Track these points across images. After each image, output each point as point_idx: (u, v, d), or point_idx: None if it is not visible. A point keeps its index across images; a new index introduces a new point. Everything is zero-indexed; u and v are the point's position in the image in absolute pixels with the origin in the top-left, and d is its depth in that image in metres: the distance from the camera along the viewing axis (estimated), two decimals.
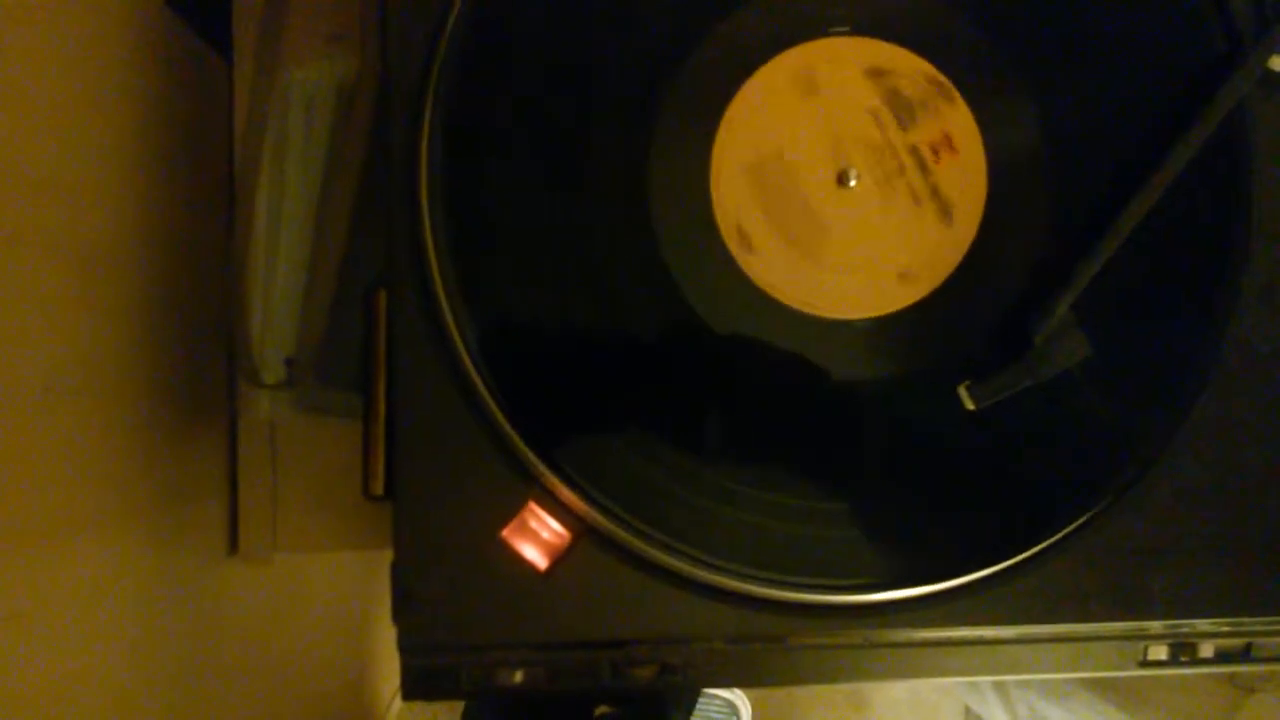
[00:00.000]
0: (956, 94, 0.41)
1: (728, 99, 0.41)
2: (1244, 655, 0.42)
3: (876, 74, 0.41)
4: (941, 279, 0.41)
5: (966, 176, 0.41)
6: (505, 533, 0.39)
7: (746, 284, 0.40)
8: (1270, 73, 0.41)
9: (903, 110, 0.41)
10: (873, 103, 0.41)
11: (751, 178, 0.41)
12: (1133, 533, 0.41)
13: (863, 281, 0.41)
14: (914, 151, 0.41)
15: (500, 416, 0.39)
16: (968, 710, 1.17)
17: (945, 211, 0.41)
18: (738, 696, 1.11)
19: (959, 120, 0.41)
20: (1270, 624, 0.41)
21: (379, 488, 0.40)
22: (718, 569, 0.39)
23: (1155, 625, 0.41)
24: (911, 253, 0.41)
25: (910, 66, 0.41)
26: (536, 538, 0.39)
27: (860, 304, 0.41)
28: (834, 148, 0.41)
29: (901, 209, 0.41)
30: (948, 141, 0.41)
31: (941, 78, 0.41)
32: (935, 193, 0.41)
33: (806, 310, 0.41)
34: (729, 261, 0.40)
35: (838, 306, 0.41)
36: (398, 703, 1.00)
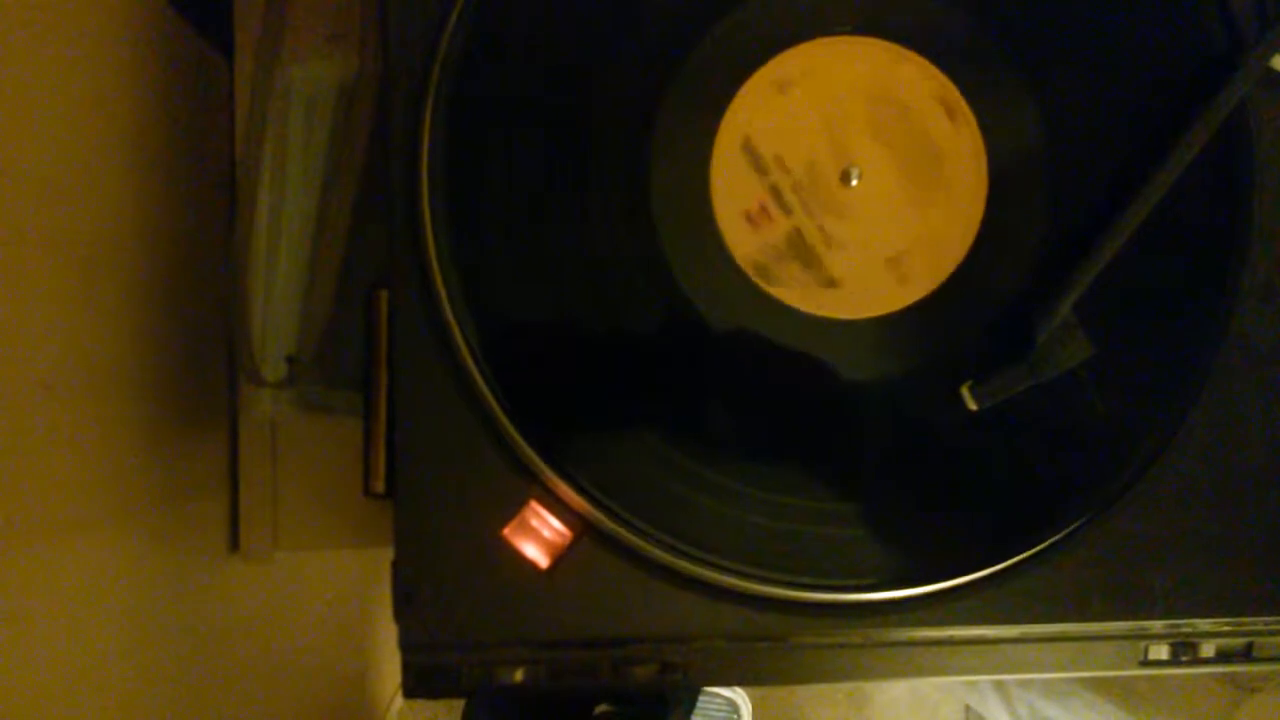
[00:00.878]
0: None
1: (730, 96, 0.41)
2: (1245, 655, 0.42)
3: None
4: (936, 284, 0.41)
5: (967, 181, 0.41)
6: (506, 531, 0.39)
7: (748, 283, 0.40)
8: (1272, 72, 0.41)
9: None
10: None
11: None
12: (1134, 532, 0.41)
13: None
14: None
15: (501, 415, 0.39)
16: (968, 709, 1.17)
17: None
18: (739, 695, 1.12)
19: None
20: (1271, 623, 0.41)
21: (380, 486, 0.40)
22: (719, 568, 0.39)
23: (1156, 625, 0.41)
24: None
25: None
26: (538, 536, 0.39)
27: (859, 304, 0.41)
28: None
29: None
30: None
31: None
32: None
33: (808, 310, 0.41)
34: (730, 260, 0.40)
35: (839, 306, 0.41)
36: (399, 701, 1.01)
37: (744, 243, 0.40)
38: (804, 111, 0.41)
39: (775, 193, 0.41)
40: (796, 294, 0.40)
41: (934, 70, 0.41)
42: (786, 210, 0.41)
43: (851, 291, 0.41)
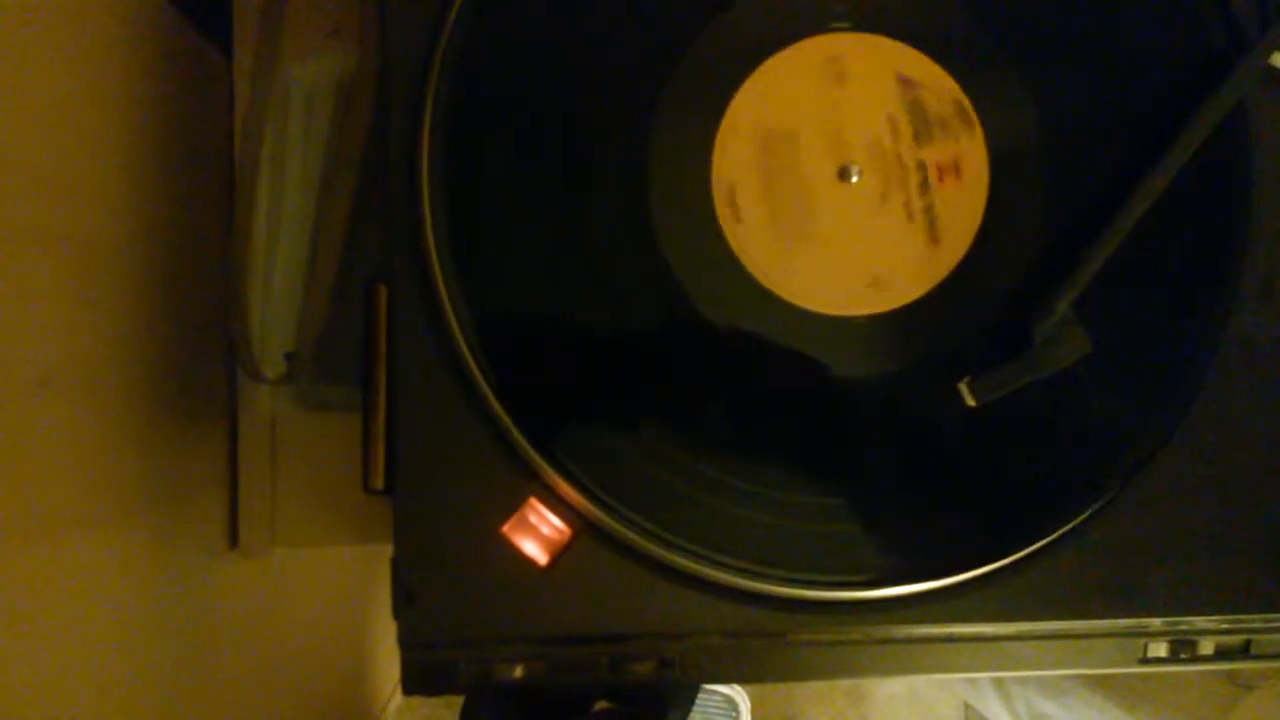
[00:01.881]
0: (976, 119, 0.41)
1: (729, 94, 0.41)
2: (1243, 652, 0.42)
3: (906, 82, 0.41)
4: (912, 297, 0.41)
5: (966, 196, 0.41)
6: (505, 528, 0.39)
7: (748, 280, 0.40)
8: (1271, 71, 0.41)
9: (921, 125, 0.41)
10: (894, 109, 0.41)
11: (755, 160, 0.41)
12: (1133, 530, 0.41)
13: (834, 278, 0.41)
14: (920, 169, 0.41)
15: (501, 412, 0.39)
16: (967, 706, 1.17)
17: (933, 234, 0.41)
18: (737, 692, 1.12)
19: (974, 143, 0.41)
20: (1269, 621, 0.41)
21: (379, 483, 0.40)
22: (717, 565, 0.39)
23: (1155, 622, 0.41)
24: (889, 264, 0.41)
25: (940, 83, 0.41)
26: (537, 533, 0.39)
27: (834, 302, 0.41)
28: (842, 141, 0.41)
29: (891, 220, 0.41)
30: (955, 167, 0.41)
31: (967, 102, 0.41)
32: (929, 213, 0.41)
33: (808, 307, 0.41)
34: (731, 258, 0.40)
35: (829, 302, 0.41)
36: (397, 697, 1.01)
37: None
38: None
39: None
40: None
41: (933, 65, 0.41)
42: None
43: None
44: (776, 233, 0.41)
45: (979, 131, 0.41)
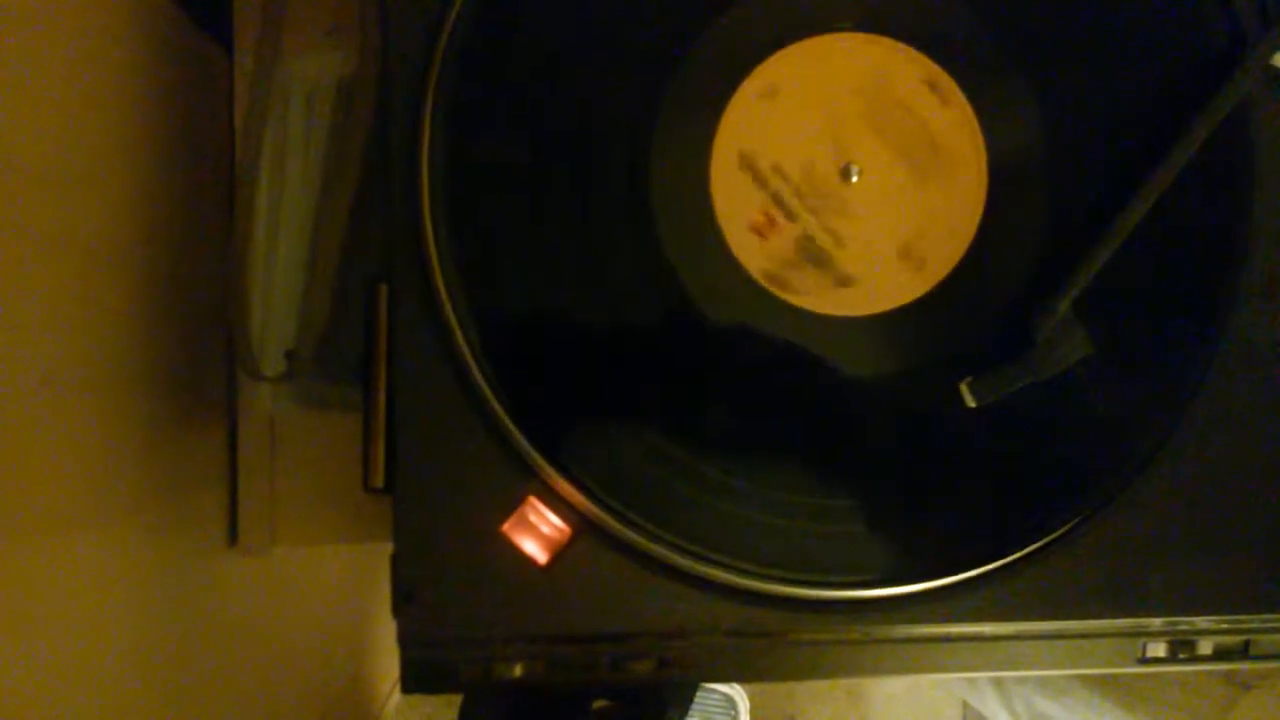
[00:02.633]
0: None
1: (730, 93, 0.41)
2: (1242, 653, 0.42)
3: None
4: (953, 264, 0.41)
5: (967, 176, 0.41)
6: (505, 527, 0.39)
7: (747, 279, 0.40)
8: (1273, 70, 0.41)
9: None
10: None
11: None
12: (1132, 530, 0.41)
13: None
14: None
15: (501, 411, 0.39)
16: (966, 706, 1.17)
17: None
18: (736, 691, 1.12)
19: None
20: (1268, 621, 0.41)
21: (379, 481, 0.40)
22: (717, 564, 0.39)
23: (1154, 622, 0.41)
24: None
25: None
26: (536, 532, 0.39)
27: (876, 298, 0.41)
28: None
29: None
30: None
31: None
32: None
33: (808, 306, 0.41)
34: (730, 257, 0.40)
35: (855, 303, 0.41)
36: (396, 696, 1.01)
37: (753, 253, 0.40)
38: (797, 114, 0.41)
39: (778, 201, 0.41)
40: (813, 299, 0.40)
41: (933, 66, 0.41)
42: (791, 216, 0.41)
43: (866, 287, 0.41)
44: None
45: (978, 129, 0.41)
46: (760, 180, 0.41)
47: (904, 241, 0.41)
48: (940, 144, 0.41)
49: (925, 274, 0.41)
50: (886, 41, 0.41)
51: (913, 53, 0.41)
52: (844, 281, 0.41)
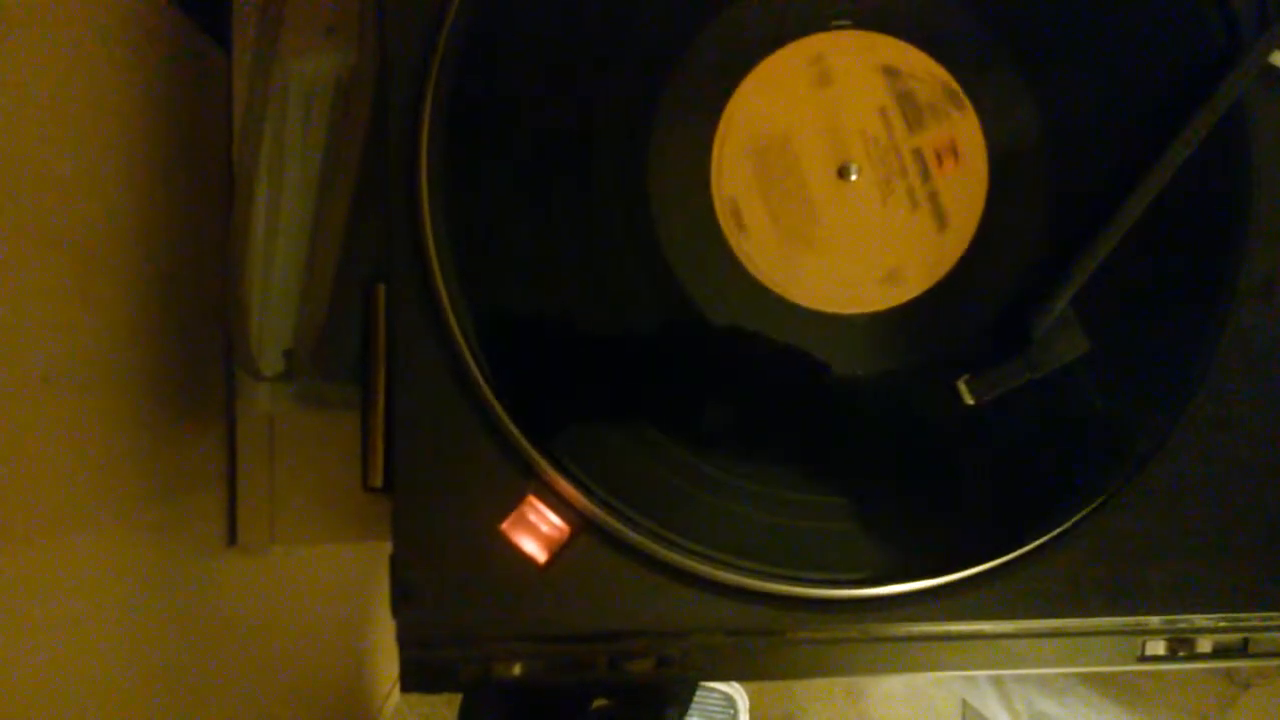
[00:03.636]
0: (967, 100, 0.41)
1: (729, 91, 0.41)
2: (1241, 651, 0.42)
3: (891, 73, 0.41)
4: (927, 285, 0.41)
5: (967, 178, 0.41)
6: (504, 526, 0.39)
7: (746, 278, 0.40)
8: (1270, 69, 0.41)
9: (912, 112, 0.41)
10: (883, 101, 0.41)
11: (753, 166, 0.41)
12: (1131, 528, 0.41)
13: (848, 277, 0.41)
14: (918, 155, 0.41)
15: (499, 410, 0.39)
16: (965, 704, 1.17)
17: (941, 218, 0.41)
18: (735, 689, 1.12)
19: (966, 123, 0.41)
20: (1267, 619, 0.41)
21: (378, 480, 0.40)
22: (716, 563, 0.39)
23: (1153, 620, 0.41)
24: (901, 255, 0.41)
25: (925, 69, 0.41)
26: (535, 531, 0.39)
27: (844, 300, 0.41)
28: (838, 140, 0.41)
29: (897, 211, 0.41)
30: (953, 148, 0.41)
31: (955, 84, 0.41)
32: (933, 199, 0.41)
33: (807, 305, 0.41)
34: (729, 255, 0.40)
35: (832, 301, 0.41)
36: (395, 695, 1.01)
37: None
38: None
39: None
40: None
41: (949, 76, 0.41)
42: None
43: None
44: (776, 230, 0.41)
45: (977, 127, 0.41)
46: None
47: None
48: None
49: (910, 282, 0.41)
50: (886, 39, 0.41)
51: (913, 50, 0.41)
52: (852, 278, 0.41)
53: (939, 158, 0.41)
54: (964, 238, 0.41)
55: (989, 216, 0.41)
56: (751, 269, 0.40)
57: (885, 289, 0.41)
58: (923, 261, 0.41)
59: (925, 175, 0.41)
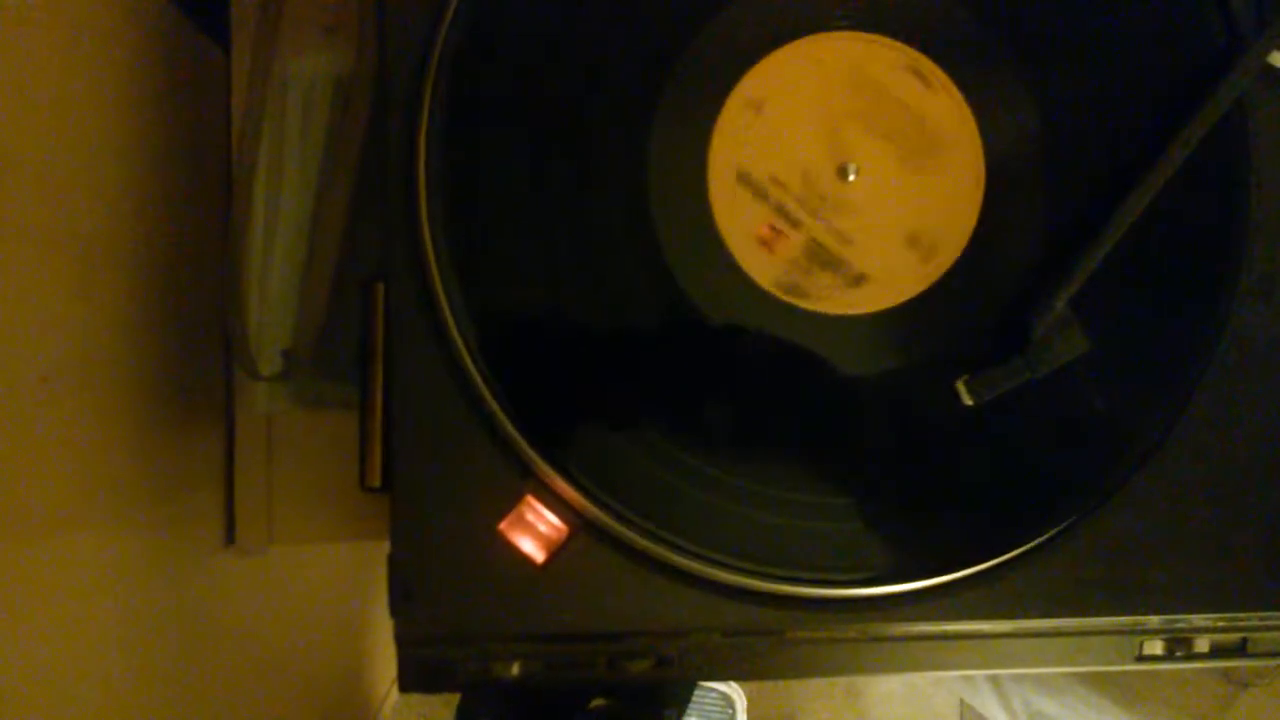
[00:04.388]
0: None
1: (728, 91, 0.41)
2: (1239, 650, 0.42)
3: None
4: (926, 285, 0.41)
5: (965, 172, 0.41)
6: (502, 526, 0.39)
7: (745, 278, 0.40)
8: (1270, 68, 0.41)
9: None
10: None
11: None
12: (1130, 528, 0.41)
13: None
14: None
15: (497, 409, 0.39)
16: (963, 704, 1.17)
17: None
18: (733, 689, 1.12)
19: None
20: (1266, 619, 0.41)
21: (376, 480, 0.40)
22: (714, 562, 0.39)
23: (1151, 620, 0.41)
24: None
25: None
26: (534, 531, 0.39)
27: (892, 291, 0.41)
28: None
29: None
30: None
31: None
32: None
33: (806, 306, 0.41)
34: (728, 255, 0.40)
35: (871, 299, 0.41)
36: (394, 695, 1.01)
37: (762, 267, 0.40)
38: (788, 119, 0.41)
39: (781, 211, 0.41)
40: (829, 301, 0.40)
41: (931, 64, 0.41)
42: (795, 224, 0.41)
43: (881, 281, 0.41)
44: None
45: (975, 127, 0.41)
46: (760, 193, 0.41)
47: (910, 231, 0.41)
48: (936, 140, 0.41)
49: (930, 266, 0.41)
50: (883, 39, 0.41)
51: (910, 50, 0.41)
52: (857, 280, 0.41)
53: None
54: (963, 237, 0.41)
55: (987, 216, 0.41)
56: (750, 268, 0.40)
57: (921, 267, 0.41)
58: (944, 232, 0.41)
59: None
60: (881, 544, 0.40)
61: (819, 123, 0.41)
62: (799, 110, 0.41)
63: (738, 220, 0.40)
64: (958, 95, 0.41)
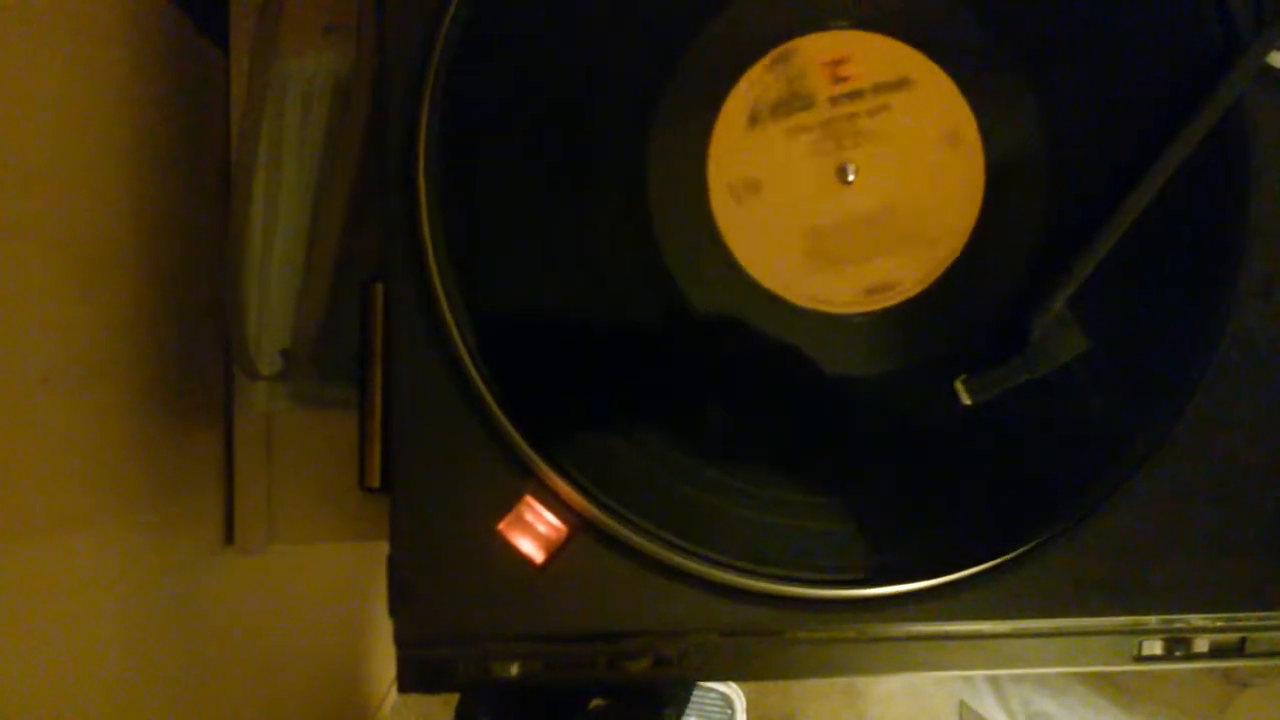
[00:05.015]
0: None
1: (728, 90, 0.41)
2: (1238, 651, 0.42)
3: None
4: (925, 285, 0.41)
5: (964, 172, 0.41)
6: (502, 526, 0.39)
7: (744, 279, 0.40)
8: (1269, 69, 0.41)
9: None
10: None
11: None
12: (1129, 528, 0.41)
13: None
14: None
15: (496, 410, 0.39)
16: (963, 704, 1.17)
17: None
18: (733, 690, 1.12)
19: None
20: (1265, 619, 0.41)
21: (375, 480, 0.40)
22: (714, 562, 0.39)
23: (1150, 620, 0.41)
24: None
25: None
26: (533, 531, 0.39)
27: (842, 301, 0.41)
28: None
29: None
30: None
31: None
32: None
33: (806, 305, 0.41)
34: (727, 257, 0.40)
35: (830, 301, 0.41)
36: (393, 695, 1.01)
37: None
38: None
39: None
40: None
41: (931, 64, 0.41)
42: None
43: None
44: (776, 230, 0.41)
45: (975, 126, 0.41)
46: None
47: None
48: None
49: (930, 265, 0.41)
50: (884, 40, 0.41)
51: (911, 50, 0.41)
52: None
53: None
54: (961, 237, 0.41)
55: (987, 215, 0.41)
56: (751, 269, 0.40)
57: (920, 259, 0.41)
58: (938, 240, 0.41)
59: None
60: (881, 544, 0.40)
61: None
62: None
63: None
64: (958, 95, 0.41)
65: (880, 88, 0.41)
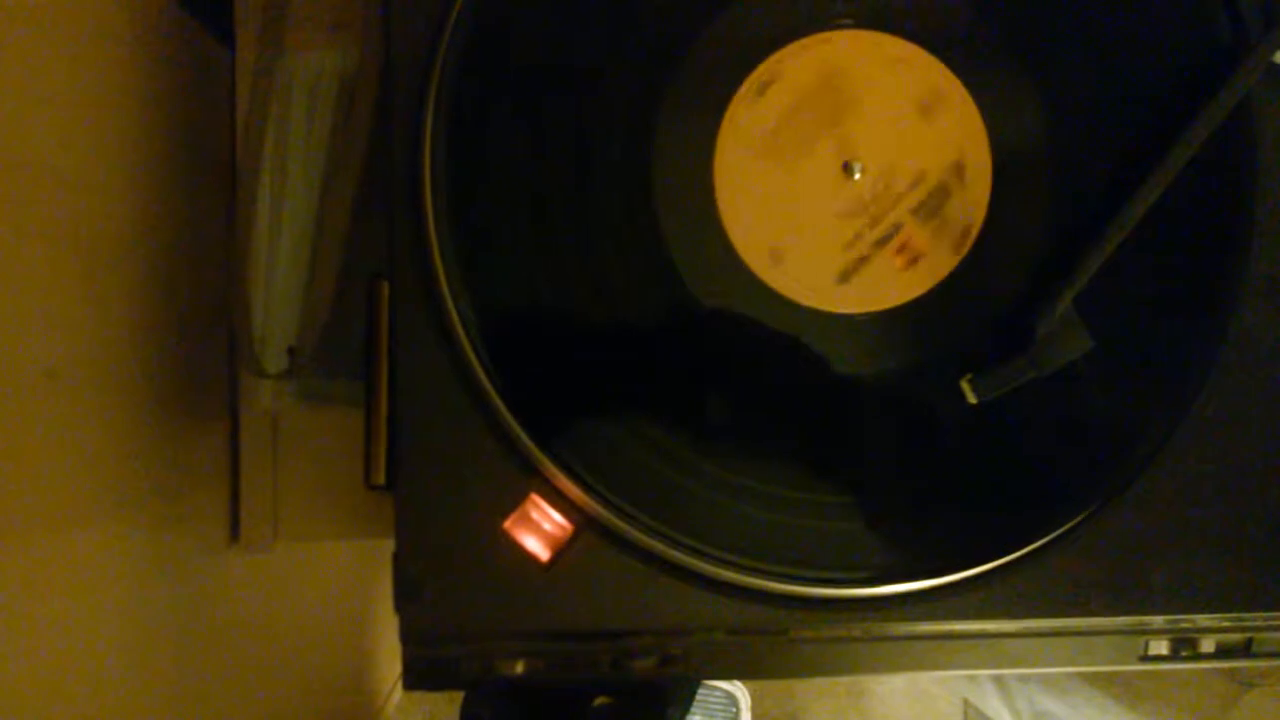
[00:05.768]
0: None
1: (733, 89, 0.41)
2: (1244, 651, 0.42)
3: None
4: (931, 284, 0.41)
5: (970, 170, 0.41)
6: (507, 524, 0.39)
7: (749, 277, 0.40)
8: (1275, 68, 0.41)
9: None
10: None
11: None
12: (1134, 528, 0.41)
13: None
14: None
15: (502, 408, 0.39)
16: (967, 704, 1.17)
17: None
18: (737, 688, 1.12)
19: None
20: (1270, 619, 0.41)
21: (381, 478, 0.40)
22: (719, 561, 0.39)
23: (1156, 620, 0.41)
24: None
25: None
26: (538, 529, 0.39)
27: (848, 299, 0.41)
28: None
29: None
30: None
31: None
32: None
33: (810, 304, 0.41)
34: (732, 254, 0.40)
35: (835, 299, 0.41)
36: (398, 693, 1.01)
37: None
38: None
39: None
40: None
41: (936, 63, 0.41)
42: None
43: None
44: (780, 228, 0.40)
45: (982, 128, 0.41)
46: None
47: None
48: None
49: (935, 264, 0.41)
50: (889, 38, 0.41)
51: (915, 49, 0.41)
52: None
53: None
54: (968, 236, 0.41)
55: (993, 215, 0.41)
56: (756, 267, 0.40)
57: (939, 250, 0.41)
58: (940, 239, 0.41)
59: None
60: (886, 543, 0.40)
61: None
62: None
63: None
64: (964, 93, 0.41)
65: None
